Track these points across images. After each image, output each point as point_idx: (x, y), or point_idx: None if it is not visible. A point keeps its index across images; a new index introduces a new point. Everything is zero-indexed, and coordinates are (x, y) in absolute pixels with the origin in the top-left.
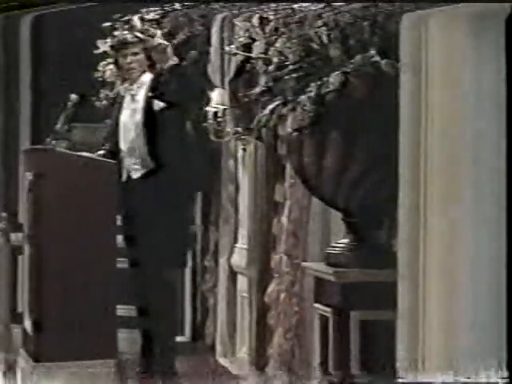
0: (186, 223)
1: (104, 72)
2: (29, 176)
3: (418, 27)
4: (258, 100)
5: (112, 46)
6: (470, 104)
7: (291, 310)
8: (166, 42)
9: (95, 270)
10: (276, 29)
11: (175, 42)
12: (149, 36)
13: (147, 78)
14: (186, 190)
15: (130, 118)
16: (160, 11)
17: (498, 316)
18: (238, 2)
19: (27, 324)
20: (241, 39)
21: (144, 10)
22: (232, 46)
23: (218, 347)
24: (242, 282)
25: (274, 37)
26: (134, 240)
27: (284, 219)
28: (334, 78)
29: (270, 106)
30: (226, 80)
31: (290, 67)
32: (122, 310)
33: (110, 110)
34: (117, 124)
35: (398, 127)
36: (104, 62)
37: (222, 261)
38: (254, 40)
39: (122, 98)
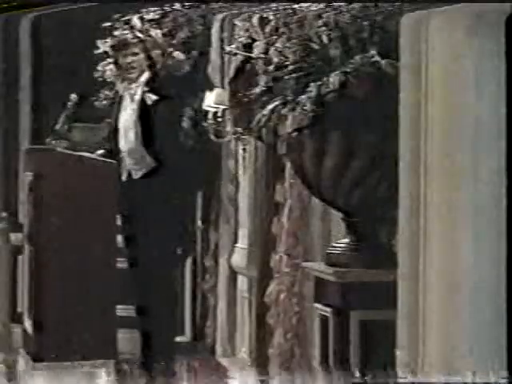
0: (185, 223)
1: (104, 72)
2: (29, 176)
3: (418, 27)
4: (257, 100)
5: (112, 46)
6: (470, 104)
7: (291, 309)
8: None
9: (95, 270)
10: (276, 29)
11: (175, 41)
12: (149, 36)
13: (146, 77)
14: (185, 190)
15: (129, 117)
16: (160, 11)
17: (497, 316)
18: (238, 2)
19: (27, 324)
20: (241, 39)
21: (144, 9)
22: (232, 46)
23: (218, 347)
24: (242, 282)
25: (274, 37)
26: (134, 240)
27: (284, 219)
28: (334, 78)
29: (270, 106)
30: (226, 80)
31: (290, 67)
32: (121, 310)
33: (110, 110)
34: (116, 124)
35: (398, 127)
36: (104, 62)
37: (222, 261)
38: (254, 40)
39: (121, 97)
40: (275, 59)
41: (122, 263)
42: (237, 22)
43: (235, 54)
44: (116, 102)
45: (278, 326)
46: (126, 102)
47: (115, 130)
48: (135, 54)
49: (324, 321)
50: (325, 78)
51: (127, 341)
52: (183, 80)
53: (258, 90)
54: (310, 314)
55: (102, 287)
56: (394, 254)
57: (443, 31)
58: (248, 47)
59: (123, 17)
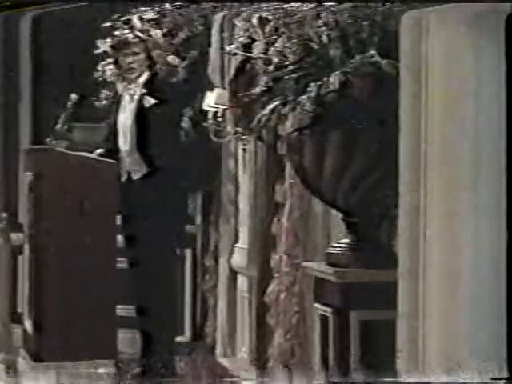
0: (185, 223)
1: (104, 72)
2: (29, 176)
3: (417, 27)
4: (257, 100)
5: (112, 46)
6: (470, 104)
7: (291, 309)
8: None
9: (95, 270)
10: (276, 29)
11: (175, 41)
12: (149, 36)
13: (145, 77)
14: (185, 191)
15: (127, 118)
16: (160, 11)
17: (498, 316)
18: (238, 2)
19: (27, 324)
20: (241, 39)
21: (144, 9)
22: (232, 46)
23: (218, 347)
24: (242, 282)
25: (274, 37)
26: (134, 240)
27: (284, 219)
28: (334, 78)
29: (270, 106)
30: (226, 80)
31: (290, 67)
32: (121, 310)
33: (110, 110)
34: (115, 123)
35: (398, 127)
36: (104, 62)
37: (222, 261)
38: (253, 40)
39: (120, 97)
40: (275, 59)
41: (121, 263)
42: (237, 22)
43: (235, 54)
44: (115, 102)
45: (277, 326)
46: (125, 102)
47: (114, 130)
48: (135, 54)
49: (324, 321)
50: (325, 78)
51: (127, 341)
52: (181, 83)
53: (258, 89)
54: (310, 314)
55: (102, 287)
56: (394, 254)
57: (443, 31)
58: (248, 47)
59: (123, 17)
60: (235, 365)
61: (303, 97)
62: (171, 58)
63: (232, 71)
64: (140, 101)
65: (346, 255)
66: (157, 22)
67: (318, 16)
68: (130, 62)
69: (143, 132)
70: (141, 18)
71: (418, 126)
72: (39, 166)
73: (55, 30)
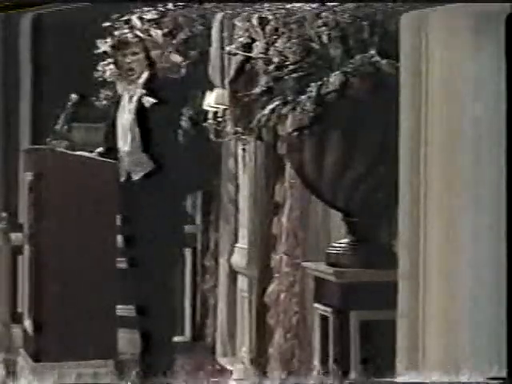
0: (185, 223)
1: (104, 72)
2: (29, 176)
3: (417, 27)
4: (257, 100)
5: (112, 46)
6: (470, 104)
7: (291, 309)
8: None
9: (95, 270)
10: (276, 29)
11: (175, 41)
12: (149, 36)
13: (145, 77)
14: (185, 191)
15: (127, 118)
16: (160, 11)
17: (498, 316)
18: (238, 2)
19: (27, 324)
20: (241, 39)
21: (144, 9)
22: (232, 46)
23: (218, 347)
24: (242, 282)
25: (274, 37)
26: (134, 240)
27: (284, 219)
28: (334, 78)
29: (270, 106)
30: (226, 80)
31: (290, 67)
32: (121, 310)
33: (110, 110)
34: (114, 123)
35: (398, 127)
36: (104, 62)
37: (222, 261)
38: (253, 40)
39: (120, 97)
40: (275, 59)
41: (121, 263)
42: (237, 22)
43: (235, 54)
44: (115, 102)
45: (277, 326)
46: (125, 101)
47: (113, 130)
48: (135, 54)
49: (324, 321)
50: (325, 78)
51: (127, 341)
52: (181, 82)
53: (258, 89)
54: (310, 314)
55: (102, 287)
56: (394, 254)
57: (443, 31)
58: (248, 47)
59: (123, 16)
60: (235, 365)
61: (303, 97)
62: (174, 57)
63: (232, 71)
64: (140, 101)
65: (346, 255)
66: (157, 22)
67: (318, 16)
68: (130, 62)
69: (143, 132)
70: (141, 18)
71: (417, 126)
72: (39, 166)
73: (55, 30)
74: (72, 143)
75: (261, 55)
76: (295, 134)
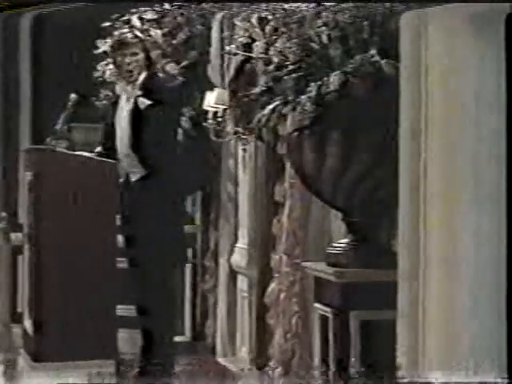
0: (185, 223)
1: (104, 72)
2: (29, 176)
3: (417, 27)
4: (257, 100)
5: (112, 46)
6: (470, 104)
7: (291, 310)
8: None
9: (95, 270)
10: (276, 29)
11: (175, 41)
12: (149, 36)
13: (144, 77)
14: (185, 191)
15: (125, 119)
16: (160, 11)
17: (497, 316)
18: (238, 2)
19: (27, 324)
20: (241, 39)
21: (144, 9)
22: (232, 46)
23: (218, 347)
24: (242, 282)
25: (274, 37)
26: (134, 240)
27: (284, 219)
28: (334, 78)
29: (270, 106)
30: (226, 80)
31: (290, 67)
32: (121, 310)
33: (109, 110)
34: (112, 124)
35: (398, 127)
36: (104, 62)
37: (222, 261)
38: (254, 40)
39: (118, 97)
40: (275, 59)
41: (122, 263)
42: (237, 21)
43: (235, 54)
44: (113, 102)
45: (278, 326)
46: (123, 102)
47: (111, 130)
48: (134, 54)
49: (324, 321)
50: (325, 78)
51: (127, 341)
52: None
53: (258, 89)
54: (310, 314)
55: (102, 287)
56: (394, 254)
57: (443, 31)
58: (248, 47)
59: (123, 17)
60: (235, 365)
61: (303, 97)
62: (170, 67)
63: (232, 71)
64: (136, 102)
65: (346, 255)
66: (157, 22)
67: (317, 16)
68: (129, 63)
69: (140, 134)
70: (141, 18)
71: (417, 126)
72: (39, 166)
73: (55, 30)
74: (72, 143)
75: (261, 55)
76: (295, 134)
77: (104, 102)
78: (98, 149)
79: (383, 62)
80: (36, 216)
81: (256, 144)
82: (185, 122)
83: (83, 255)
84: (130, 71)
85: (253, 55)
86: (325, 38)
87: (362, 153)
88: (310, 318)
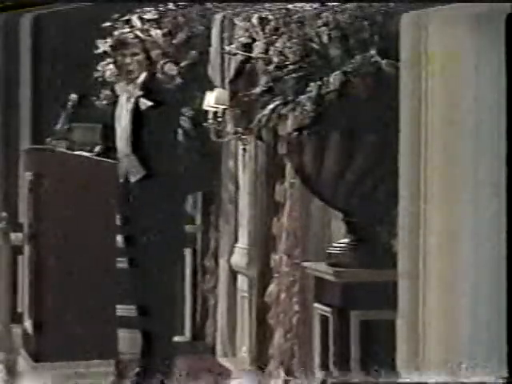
0: (185, 223)
1: (104, 72)
2: (29, 176)
3: (417, 27)
4: (257, 100)
5: (112, 46)
6: (470, 104)
7: (291, 309)
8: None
9: (95, 270)
10: (276, 28)
11: (175, 41)
12: (149, 36)
13: (143, 77)
14: (185, 191)
15: (125, 119)
16: (160, 11)
17: (498, 316)
18: (238, 2)
19: (27, 324)
20: (241, 39)
21: (144, 9)
22: (232, 46)
23: (218, 347)
24: (242, 282)
25: (274, 37)
26: (134, 240)
27: (284, 219)
28: (334, 78)
29: (270, 106)
30: (226, 80)
31: (290, 67)
32: (121, 310)
33: (109, 110)
34: (112, 124)
35: (398, 127)
36: (104, 62)
37: (222, 261)
38: (254, 40)
39: (118, 97)
40: (275, 59)
41: (122, 263)
42: (237, 21)
43: (235, 54)
44: (113, 102)
45: (278, 326)
46: (123, 102)
47: (112, 130)
48: (135, 54)
49: (324, 321)
50: (325, 78)
51: (127, 341)
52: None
53: (258, 89)
54: (310, 314)
55: (102, 287)
56: (394, 254)
57: (443, 31)
58: (248, 47)
59: (123, 17)
60: (235, 365)
61: (303, 97)
62: (168, 67)
63: (232, 71)
64: (137, 103)
65: (346, 255)
66: (157, 22)
67: (318, 16)
68: (129, 63)
69: (140, 134)
70: (141, 18)
71: (418, 126)
72: (39, 166)
73: (55, 30)
74: (72, 143)
75: (261, 55)
76: (295, 134)
77: (104, 102)
78: (98, 149)
79: (383, 62)
80: (36, 216)
81: (256, 144)
82: (185, 122)
83: (83, 255)
84: (131, 71)
85: (253, 55)
86: (325, 38)
87: (361, 153)
88: (309, 318)
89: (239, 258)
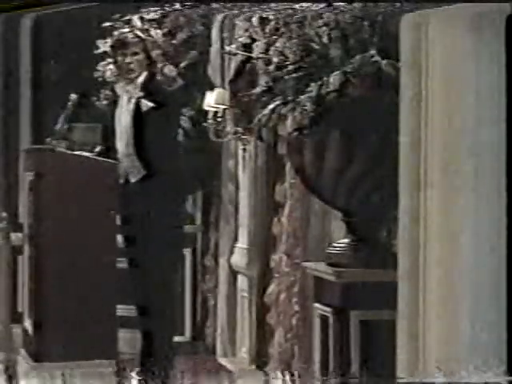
0: (185, 223)
1: (104, 72)
2: (29, 176)
3: (418, 27)
4: (257, 100)
5: (112, 46)
6: (470, 104)
7: (291, 309)
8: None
9: (95, 270)
10: (276, 29)
11: (175, 41)
12: (149, 36)
13: (144, 77)
14: (185, 191)
15: (125, 119)
16: (160, 11)
17: (498, 316)
18: (238, 2)
19: (27, 324)
20: (241, 39)
21: (144, 9)
22: (232, 46)
23: (218, 347)
24: (242, 282)
25: (274, 37)
26: (134, 240)
27: (284, 219)
28: (334, 78)
29: (270, 106)
30: (226, 80)
31: (290, 67)
32: (122, 310)
33: (109, 110)
34: (112, 124)
35: (397, 127)
36: (104, 62)
37: (222, 261)
38: (254, 40)
39: (118, 97)
40: (275, 59)
41: (122, 263)
42: (237, 21)
43: (235, 54)
44: (113, 102)
45: (278, 326)
46: (123, 102)
47: (112, 130)
48: (135, 54)
49: (324, 321)
50: (325, 78)
51: (127, 341)
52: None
53: (258, 89)
54: (310, 314)
55: (102, 287)
56: (394, 254)
57: (443, 31)
58: (248, 47)
59: (123, 17)
60: (235, 365)
61: (303, 97)
62: (168, 69)
63: (232, 71)
64: (138, 104)
65: (346, 255)
66: (157, 22)
67: (318, 16)
68: (129, 62)
69: (141, 134)
70: (141, 18)
71: (418, 126)
72: (39, 166)
73: (55, 30)
74: (72, 143)
75: (261, 55)
76: (295, 134)
77: (104, 102)
78: (98, 149)
79: (383, 62)
80: (36, 216)
81: (256, 144)
82: (185, 122)
83: (83, 255)
84: (131, 70)
85: (253, 55)
86: (325, 38)
87: (361, 153)
88: (309, 318)
89: (239, 257)
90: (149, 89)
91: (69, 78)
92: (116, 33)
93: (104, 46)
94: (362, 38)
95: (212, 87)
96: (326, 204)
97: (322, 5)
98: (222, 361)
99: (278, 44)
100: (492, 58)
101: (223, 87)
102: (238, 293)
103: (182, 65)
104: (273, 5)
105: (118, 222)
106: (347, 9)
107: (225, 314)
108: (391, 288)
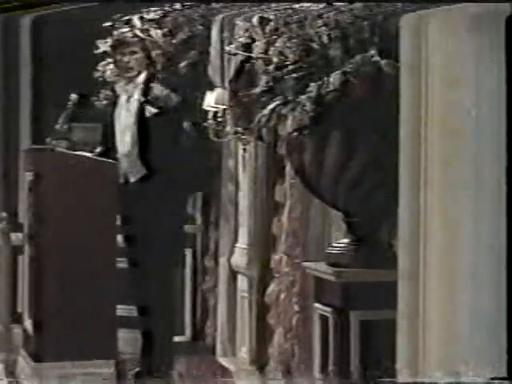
0: (185, 223)
1: (104, 72)
2: (29, 176)
3: (418, 27)
4: (257, 100)
5: (112, 46)
6: (470, 104)
7: (291, 309)
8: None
9: (95, 270)
10: (276, 29)
11: (175, 41)
12: (149, 36)
13: (143, 77)
14: (185, 191)
15: (125, 119)
16: (160, 11)
17: (498, 316)
18: (238, 2)
19: (27, 324)
20: (241, 39)
21: (144, 9)
22: (232, 46)
23: (218, 347)
24: (242, 282)
25: (274, 37)
26: (134, 240)
27: (284, 219)
28: (334, 78)
29: (270, 106)
30: (226, 80)
31: (290, 67)
32: (121, 310)
33: (108, 110)
34: (112, 124)
35: (398, 127)
36: (104, 62)
37: (222, 261)
38: (254, 40)
39: (117, 97)
40: (275, 59)
41: (122, 263)
42: (237, 21)
43: (235, 54)
44: (113, 102)
45: (277, 326)
46: (122, 101)
47: (112, 130)
48: (134, 53)
49: (324, 321)
50: (325, 78)
51: (127, 341)
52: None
53: (258, 89)
54: (310, 314)
55: (102, 287)
56: (394, 254)
57: (443, 31)
58: (248, 47)
59: (123, 16)
60: (235, 365)
61: (303, 97)
62: (158, 90)
63: (232, 71)
64: (141, 107)
65: (346, 255)
66: (157, 22)
67: (318, 16)
68: (129, 62)
69: (141, 134)
70: (141, 18)
71: (417, 126)
72: (39, 166)
73: (55, 30)
74: (72, 143)
75: (261, 55)
76: (295, 134)
77: (104, 102)
78: (98, 149)
79: (383, 62)
80: (36, 216)
81: (256, 144)
82: (184, 122)
83: (83, 255)
84: (130, 68)
85: (253, 55)
86: (325, 38)
87: (361, 153)
88: (309, 317)
89: (239, 257)
90: (150, 89)
91: (69, 78)
92: (116, 33)
93: (104, 45)
94: (361, 38)
95: (212, 87)
96: (326, 204)
97: (322, 5)
98: (222, 361)
99: (277, 44)
100: (492, 58)
101: (223, 87)
102: (238, 293)
103: (182, 65)
104: (273, 5)
105: (118, 222)
106: (347, 9)
107: (225, 314)
108: (391, 288)
